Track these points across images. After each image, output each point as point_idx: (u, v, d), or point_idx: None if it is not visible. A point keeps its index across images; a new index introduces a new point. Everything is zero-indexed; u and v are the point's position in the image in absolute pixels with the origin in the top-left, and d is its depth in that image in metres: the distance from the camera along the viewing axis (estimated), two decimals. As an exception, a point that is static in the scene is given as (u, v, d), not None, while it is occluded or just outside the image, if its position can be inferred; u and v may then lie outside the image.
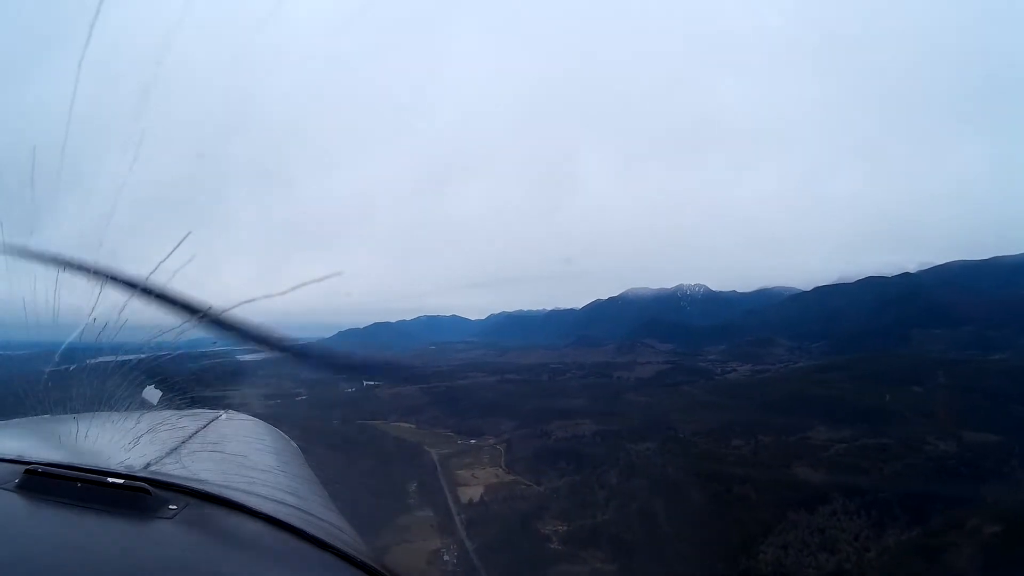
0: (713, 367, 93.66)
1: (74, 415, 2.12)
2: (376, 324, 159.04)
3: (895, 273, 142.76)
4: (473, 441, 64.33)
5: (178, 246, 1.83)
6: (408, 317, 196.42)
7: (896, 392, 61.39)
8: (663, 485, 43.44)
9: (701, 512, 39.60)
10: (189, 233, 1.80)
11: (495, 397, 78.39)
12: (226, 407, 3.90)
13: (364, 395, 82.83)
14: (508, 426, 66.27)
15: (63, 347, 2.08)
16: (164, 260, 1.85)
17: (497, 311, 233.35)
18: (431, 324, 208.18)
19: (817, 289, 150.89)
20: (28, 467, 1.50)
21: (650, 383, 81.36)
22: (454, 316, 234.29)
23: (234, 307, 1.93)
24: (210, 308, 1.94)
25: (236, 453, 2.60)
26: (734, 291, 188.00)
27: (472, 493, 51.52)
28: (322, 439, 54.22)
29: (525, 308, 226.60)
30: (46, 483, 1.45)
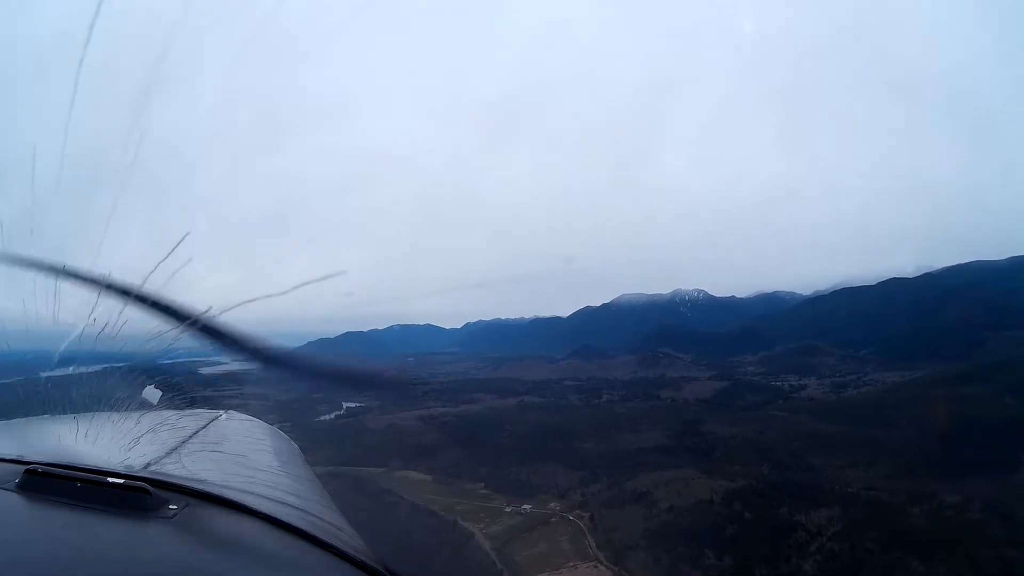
0: (773, 382, 78.47)
1: (74, 415, 2.09)
2: (348, 333, 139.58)
3: (908, 275, 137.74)
4: (527, 507, 43.30)
5: (177, 246, 1.77)
6: (380, 326, 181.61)
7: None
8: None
9: None
10: (188, 233, 1.75)
11: (527, 430, 58.70)
12: (226, 407, 3.60)
13: (348, 427, 60.95)
14: (570, 479, 46.34)
15: (61, 349, 1.99)
16: (163, 260, 1.79)
17: (473, 319, 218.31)
18: (405, 333, 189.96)
19: (835, 292, 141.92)
20: (28, 467, 1.50)
21: (718, 406, 64.75)
22: (428, 325, 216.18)
23: (222, 312, 1.87)
24: (205, 311, 1.89)
25: (236, 453, 2.56)
26: (733, 296, 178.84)
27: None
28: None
29: (503, 316, 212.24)
30: (46, 483, 1.45)
